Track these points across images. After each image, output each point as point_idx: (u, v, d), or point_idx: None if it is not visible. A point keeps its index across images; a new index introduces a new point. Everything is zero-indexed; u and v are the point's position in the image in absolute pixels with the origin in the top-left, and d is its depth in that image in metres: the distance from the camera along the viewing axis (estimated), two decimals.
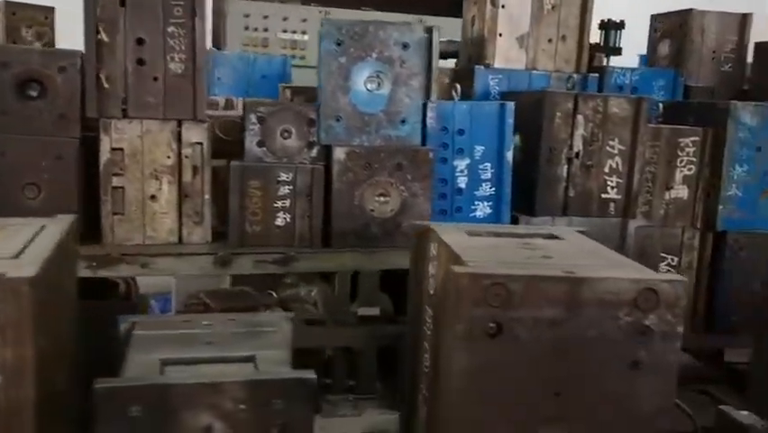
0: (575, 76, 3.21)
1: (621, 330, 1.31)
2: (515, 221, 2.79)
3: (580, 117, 2.80)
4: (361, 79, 2.47)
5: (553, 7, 3.24)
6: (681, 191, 2.98)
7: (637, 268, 1.42)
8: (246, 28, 5.83)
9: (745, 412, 2.00)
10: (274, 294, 3.96)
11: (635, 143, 2.84)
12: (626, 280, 1.30)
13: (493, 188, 2.70)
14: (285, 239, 2.48)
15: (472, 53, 3.36)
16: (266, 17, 5.82)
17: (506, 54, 3.26)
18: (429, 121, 2.60)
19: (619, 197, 2.87)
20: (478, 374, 1.29)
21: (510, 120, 2.67)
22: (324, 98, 2.48)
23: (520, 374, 1.31)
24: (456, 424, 1.31)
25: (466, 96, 3.24)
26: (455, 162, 2.66)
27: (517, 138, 2.96)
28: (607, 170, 2.85)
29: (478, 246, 1.50)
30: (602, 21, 3.74)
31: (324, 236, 2.51)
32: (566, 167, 2.82)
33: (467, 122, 2.65)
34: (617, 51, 3.69)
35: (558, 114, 2.78)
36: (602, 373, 1.31)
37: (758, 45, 3.32)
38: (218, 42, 5.91)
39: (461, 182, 2.67)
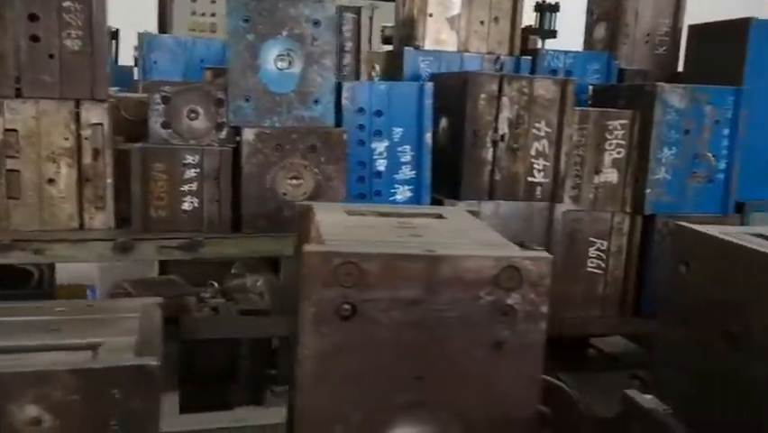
0: (503, 57, 3.15)
1: (483, 310, 1.24)
2: (438, 205, 2.72)
3: (505, 99, 2.74)
4: (271, 58, 2.38)
5: None
6: (611, 175, 2.94)
7: (506, 246, 1.35)
8: (193, 13, 5.67)
9: (649, 396, 1.96)
10: (216, 284, 3.86)
11: (561, 126, 2.79)
12: (487, 258, 1.23)
13: (413, 172, 2.63)
14: (192, 224, 2.39)
15: (403, 35, 3.29)
16: (213, 1, 5.67)
17: (436, 36, 3.19)
18: (345, 102, 2.52)
19: (546, 180, 2.82)
20: (330, 359, 1.22)
21: (429, 101, 2.60)
22: (232, 78, 2.39)
23: (377, 358, 1.24)
24: (308, 411, 1.23)
25: (397, 78, 3.17)
26: (373, 145, 2.58)
27: (445, 121, 2.90)
28: (533, 153, 2.79)
29: (347, 225, 1.43)
30: (537, 3, 3.68)
31: (235, 221, 2.42)
32: (491, 150, 2.76)
33: (385, 103, 2.57)
34: (553, 34, 3.63)
35: (482, 96, 2.71)
36: (464, 354, 1.25)
37: (692, 27, 3.28)
38: (164, 27, 5.76)
39: (380, 165, 2.60)
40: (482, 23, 3.22)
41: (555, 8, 3.57)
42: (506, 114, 2.75)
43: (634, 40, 3.37)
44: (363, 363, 1.23)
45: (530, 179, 2.80)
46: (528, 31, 3.35)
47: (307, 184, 2.43)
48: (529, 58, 3.24)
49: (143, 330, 1.37)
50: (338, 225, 1.41)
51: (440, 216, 1.61)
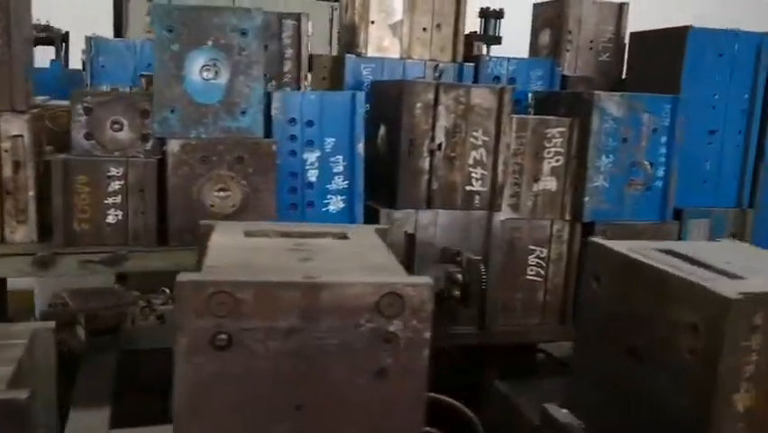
0: (442, 65, 3.13)
1: (364, 337, 1.23)
2: (375, 215, 2.71)
3: (441, 108, 2.73)
4: (197, 68, 2.34)
5: None
6: (550, 183, 2.94)
7: (393, 272, 1.34)
8: (149, 14, 5.59)
9: (565, 411, 1.97)
10: (167, 291, 3.81)
11: (499, 135, 2.79)
12: (367, 285, 1.22)
13: (346, 182, 2.61)
14: (117, 237, 2.35)
15: (347, 41, 3.26)
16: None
17: (378, 43, 3.17)
18: (274, 112, 2.49)
19: (484, 189, 2.81)
20: (205, 389, 1.20)
21: (361, 110, 2.58)
22: (157, 88, 2.35)
23: (255, 388, 1.22)
24: None
25: (338, 87, 3.14)
26: (305, 155, 2.56)
27: (384, 129, 2.88)
28: (471, 161, 2.79)
29: (237, 248, 1.41)
30: (481, 9, 3.67)
31: (161, 234, 2.38)
32: (428, 159, 2.74)
33: (316, 112, 2.55)
34: (497, 40, 3.62)
35: (418, 105, 2.70)
36: (345, 383, 1.24)
37: (633, 35, 3.30)
38: (120, 30, 5.69)
39: (312, 176, 2.57)
40: (425, 29, 3.20)
41: (500, 14, 3.56)
42: (442, 123, 2.73)
43: (577, 46, 3.37)
44: (241, 394, 1.21)
45: (468, 187, 2.80)
46: (473, 37, 3.33)
47: (235, 196, 2.40)
48: (472, 64, 3.23)
49: (26, 359, 1.34)
50: (226, 249, 1.39)
51: (344, 237, 1.59)
